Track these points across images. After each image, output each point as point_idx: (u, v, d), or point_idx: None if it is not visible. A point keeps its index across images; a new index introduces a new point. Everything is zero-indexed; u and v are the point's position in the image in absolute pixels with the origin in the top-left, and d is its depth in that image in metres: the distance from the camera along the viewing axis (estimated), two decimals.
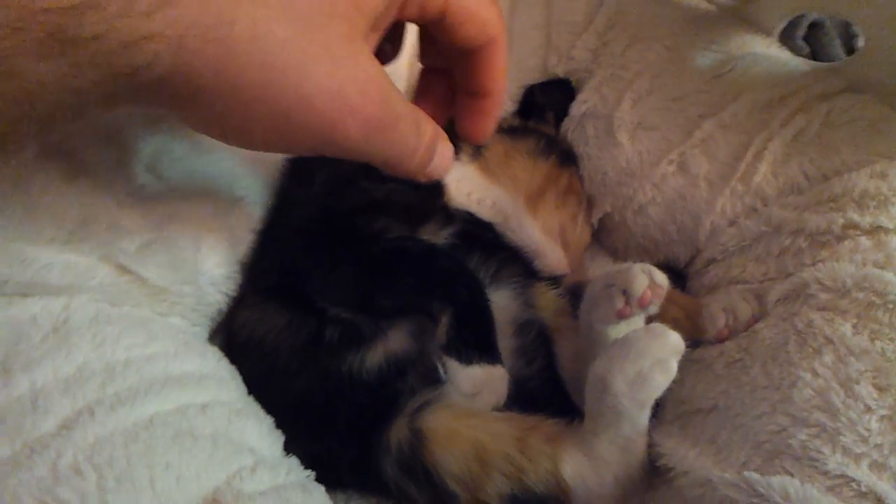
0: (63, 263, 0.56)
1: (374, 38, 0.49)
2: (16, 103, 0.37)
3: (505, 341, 0.72)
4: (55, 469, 0.48)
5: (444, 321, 0.65)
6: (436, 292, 0.66)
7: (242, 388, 0.65)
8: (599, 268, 0.90)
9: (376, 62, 0.46)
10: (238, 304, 0.73)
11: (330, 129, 0.45)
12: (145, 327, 0.59)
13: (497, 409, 0.65)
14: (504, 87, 0.56)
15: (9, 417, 0.49)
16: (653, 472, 0.64)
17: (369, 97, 0.45)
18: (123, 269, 0.59)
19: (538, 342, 0.75)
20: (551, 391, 0.73)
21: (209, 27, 0.38)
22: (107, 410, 0.51)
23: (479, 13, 0.50)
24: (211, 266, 0.67)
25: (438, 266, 0.69)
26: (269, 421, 0.63)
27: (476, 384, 0.65)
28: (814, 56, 0.88)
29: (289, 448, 0.64)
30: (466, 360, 0.64)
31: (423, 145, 0.51)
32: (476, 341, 0.66)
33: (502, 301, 0.74)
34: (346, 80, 0.44)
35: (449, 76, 0.58)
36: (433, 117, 0.54)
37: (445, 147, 0.54)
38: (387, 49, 0.57)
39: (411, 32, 0.57)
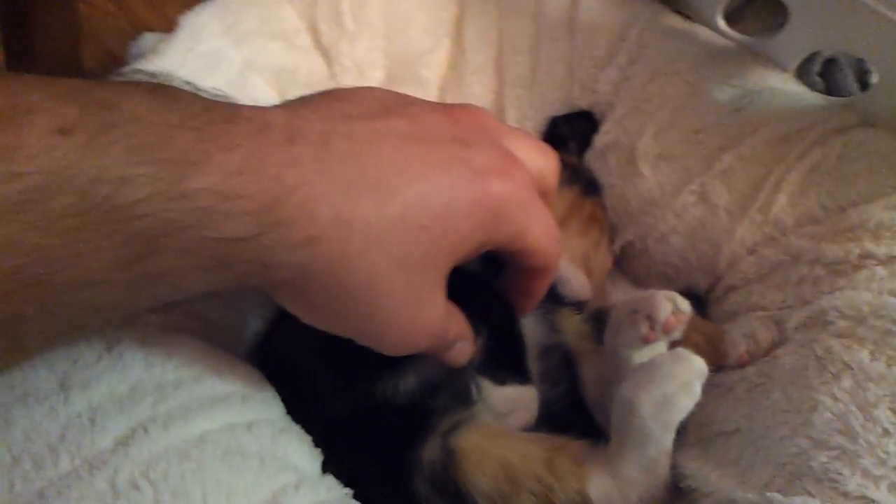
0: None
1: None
2: (159, 302, 0.44)
3: (532, 364, 0.74)
4: (114, 484, 0.50)
5: (479, 343, 0.67)
6: (471, 315, 0.68)
7: (282, 407, 0.67)
8: (621, 294, 0.93)
9: (444, 304, 0.54)
10: (273, 326, 0.75)
11: (389, 347, 0.54)
12: (191, 348, 0.62)
13: (528, 427, 0.68)
14: (543, 293, 0.65)
15: (69, 434, 0.52)
16: (675, 493, 0.66)
17: (428, 335, 0.54)
18: None
19: (563, 365, 0.77)
20: (575, 413, 0.75)
21: (336, 267, 0.45)
22: (160, 428, 0.54)
23: (545, 252, 0.58)
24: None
25: (473, 290, 0.71)
26: (308, 439, 0.65)
27: (509, 403, 0.67)
28: (829, 91, 0.90)
29: (325, 468, 0.66)
30: (500, 380, 0.67)
31: (444, 345, 0.59)
32: (509, 363, 0.68)
33: (529, 326, 0.76)
34: (421, 323, 0.52)
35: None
36: None
37: (466, 347, 0.62)
38: None
39: None
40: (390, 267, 0.47)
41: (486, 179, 0.51)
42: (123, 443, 0.52)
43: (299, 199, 0.41)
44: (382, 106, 0.53)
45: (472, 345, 0.63)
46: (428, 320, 0.53)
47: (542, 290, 0.65)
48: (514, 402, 0.67)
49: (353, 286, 0.46)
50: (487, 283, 0.71)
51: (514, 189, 0.53)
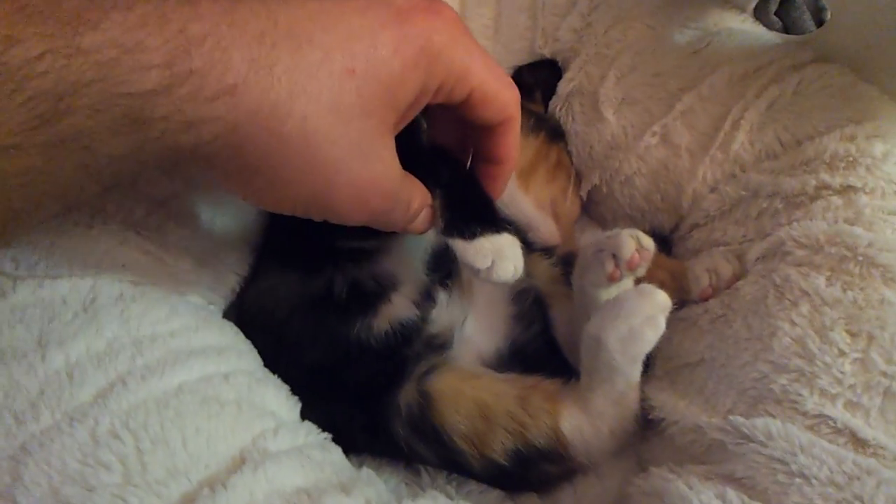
0: (88, 246, 0.60)
1: (399, 128, 0.54)
2: (86, 172, 0.41)
3: (503, 308, 0.76)
4: (95, 435, 0.51)
5: (437, 204, 0.62)
6: (421, 179, 0.66)
7: (259, 360, 0.68)
8: (589, 238, 0.94)
9: (395, 157, 0.52)
10: (248, 282, 0.76)
11: (346, 213, 0.51)
12: (167, 304, 0.63)
13: (517, 278, 0.62)
14: (515, 156, 0.61)
15: (48, 390, 0.53)
16: (646, 425, 0.69)
17: (382, 194, 0.52)
18: (145, 252, 0.63)
19: (534, 309, 0.79)
20: (548, 354, 0.77)
21: (265, 117, 0.43)
22: (138, 381, 0.55)
23: (499, 96, 0.55)
24: (225, 248, 0.70)
25: (414, 154, 0.66)
26: (286, 388, 0.67)
27: (487, 255, 0.61)
28: (786, 30, 0.92)
29: (304, 415, 0.67)
30: (470, 234, 0.60)
31: (409, 216, 0.57)
32: (474, 214, 0.62)
33: None
34: (370, 178, 0.50)
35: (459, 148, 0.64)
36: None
37: (428, 213, 0.60)
38: None
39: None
40: (323, 114, 0.45)
41: (410, 15, 0.49)
42: (102, 396, 0.54)
43: (209, 48, 0.40)
44: None
45: (432, 210, 0.60)
46: (379, 176, 0.50)
47: (510, 150, 0.60)
48: (492, 252, 0.61)
49: (287, 138, 0.44)
50: (430, 145, 0.68)
51: (443, 24, 0.51)
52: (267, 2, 0.45)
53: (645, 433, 0.69)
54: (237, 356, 0.65)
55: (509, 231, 0.62)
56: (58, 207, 0.48)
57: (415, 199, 0.57)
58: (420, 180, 0.58)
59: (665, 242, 0.86)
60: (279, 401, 0.64)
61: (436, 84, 0.51)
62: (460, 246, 0.60)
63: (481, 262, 0.60)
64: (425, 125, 0.66)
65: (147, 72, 0.39)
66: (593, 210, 0.97)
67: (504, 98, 0.56)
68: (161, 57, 0.39)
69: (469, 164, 0.64)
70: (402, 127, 0.54)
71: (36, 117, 0.37)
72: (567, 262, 0.79)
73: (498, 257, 0.61)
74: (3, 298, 0.56)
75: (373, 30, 0.47)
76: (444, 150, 0.65)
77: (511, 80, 0.57)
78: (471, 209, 0.62)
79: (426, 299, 0.73)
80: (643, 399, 0.68)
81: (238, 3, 0.43)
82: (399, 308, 0.73)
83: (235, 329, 0.69)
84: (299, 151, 0.45)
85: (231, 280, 0.73)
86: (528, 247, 0.82)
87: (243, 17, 0.43)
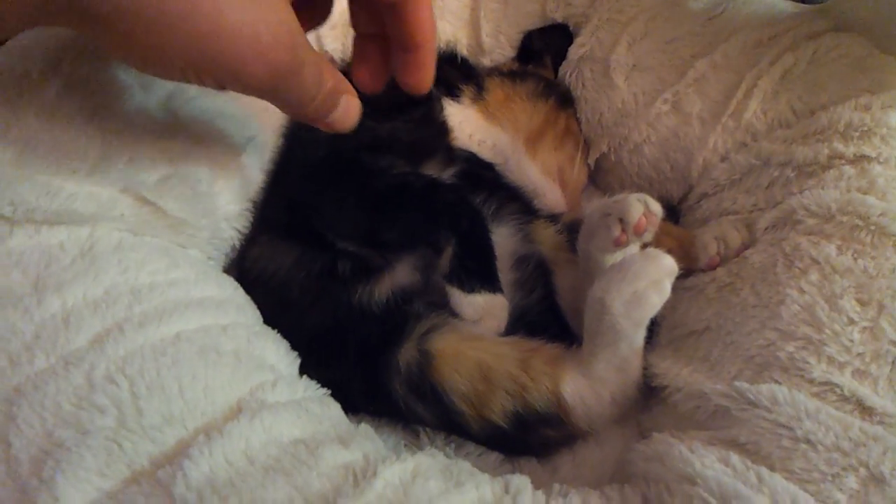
0: (87, 194, 0.58)
1: None
2: None
3: (506, 274, 0.75)
4: (90, 379, 0.51)
5: (448, 252, 0.68)
6: (439, 224, 0.69)
7: (258, 315, 0.68)
8: (596, 203, 0.93)
9: (290, 9, 0.48)
10: (249, 241, 0.76)
11: (240, 65, 0.46)
12: (166, 255, 0.62)
13: (498, 334, 0.69)
14: (433, 38, 0.56)
15: (43, 334, 0.52)
16: (648, 393, 0.68)
17: (280, 41, 0.47)
18: (144, 201, 0.62)
19: (537, 275, 0.78)
20: (550, 320, 0.76)
21: None
22: (135, 328, 0.54)
23: None
24: (224, 202, 0.69)
25: (442, 199, 0.72)
26: (285, 343, 0.66)
27: (478, 311, 0.68)
28: None
29: (303, 373, 0.67)
30: (469, 288, 0.68)
31: (321, 94, 0.52)
32: (478, 270, 0.68)
33: (503, 237, 0.77)
34: (261, 21, 0.45)
35: (382, 40, 0.58)
36: (371, 81, 0.58)
37: (351, 102, 0.55)
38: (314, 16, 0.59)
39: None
40: None
41: None
42: (99, 341, 0.53)
43: None
44: None
45: (358, 100, 0.56)
46: (271, 20, 0.46)
47: (424, 31, 0.55)
48: (483, 309, 0.68)
49: None
50: (456, 189, 0.71)
51: None
52: None
53: (647, 401, 0.69)
54: (236, 309, 0.64)
55: (502, 292, 0.69)
56: None
57: (328, 75, 0.52)
58: (440, 226, 0.61)
59: (673, 212, 0.85)
60: (278, 355, 0.63)
61: None
62: (456, 295, 0.68)
63: (470, 315, 0.68)
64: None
65: None
66: (601, 178, 0.96)
67: None
68: None
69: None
70: None
71: None
72: (572, 230, 0.78)
73: (487, 315, 0.68)
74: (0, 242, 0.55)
75: None
76: (469, 203, 0.68)
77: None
78: (476, 265, 0.68)
79: (428, 265, 0.73)
80: (646, 367, 0.67)
81: None
82: (401, 275, 0.72)
83: (235, 284, 0.69)
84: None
85: (232, 235, 0.72)
86: (534, 213, 0.83)
87: None
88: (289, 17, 0.47)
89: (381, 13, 0.55)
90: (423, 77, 0.58)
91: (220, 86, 0.48)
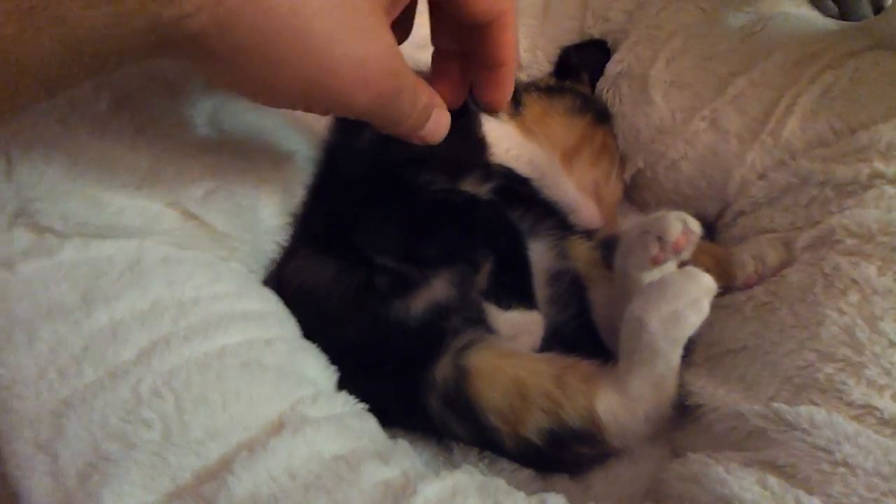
0: (135, 208, 0.60)
1: (393, 14, 0.51)
2: (65, 47, 0.39)
3: (541, 290, 0.75)
4: (137, 392, 0.52)
5: (486, 268, 0.69)
6: (478, 241, 0.70)
7: (298, 329, 0.69)
8: (633, 220, 0.93)
9: (392, 36, 0.49)
10: (288, 254, 0.77)
11: (348, 95, 0.48)
12: (211, 269, 0.63)
13: (534, 351, 0.69)
14: (514, 57, 0.58)
15: (91, 346, 0.54)
16: (682, 412, 0.68)
17: (384, 70, 0.48)
18: (190, 215, 0.63)
19: (572, 291, 0.78)
20: (585, 337, 0.76)
21: None
22: (181, 341, 0.55)
23: None
24: (267, 216, 0.70)
25: (480, 216, 0.72)
26: (324, 358, 0.67)
27: (514, 328, 0.68)
28: (842, 16, 0.90)
29: (340, 387, 0.68)
30: (506, 305, 0.69)
31: (416, 111, 0.54)
32: (515, 287, 0.69)
33: (538, 252, 0.77)
34: (369, 53, 0.47)
35: (461, 57, 0.60)
36: (450, 97, 0.59)
37: (441, 115, 0.57)
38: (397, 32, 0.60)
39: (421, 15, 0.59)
40: None
41: None
42: (145, 354, 0.54)
43: None
44: None
45: (447, 113, 0.58)
46: (378, 51, 0.48)
47: (506, 52, 0.57)
48: (519, 326, 0.68)
49: (275, 9, 0.42)
50: (495, 207, 0.72)
51: None
52: None
53: (680, 420, 0.68)
54: (278, 323, 0.65)
55: (538, 309, 0.70)
56: (41, 93, 0.46)
57: (422, 93, 0.54)
58: (478, 243, 0.63)
59: (709, 229, 0.85)
60: (318, 369, 0.64)
61: None
62: (493, 311, 0.69)
63: (506, 331, 0.69)
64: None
65: None
66: (636, 195, 0.96)
67: None
68: None
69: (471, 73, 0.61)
70: (394, 16, 0.51)
71: None
72: (607, 246, 0.79)
73: (522, 332, 0.69)
74: (50, 256, 0.57)
75: None
76: (508, 220, 0.69)
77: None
78: (513, 282, 0.70)
79: (465, 281, 0.73)
80: (681, 385, 0.67)
81: None
82: (438, 290, 0.73)
83: (276, 297, 0.70)
84: (289, 24, 0.43)
85: (272, 249, 0.74)
86: (569, 229, 0.83)
87: None
88: (391, 43, 0.49)
89: (463, 32, 0.56)
90: (503, 95, 0.60)
91: (327, 112, 0.50)
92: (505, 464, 0.70)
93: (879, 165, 0.67)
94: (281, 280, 0.76)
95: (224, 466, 0.50)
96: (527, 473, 0.70)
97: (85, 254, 0.58)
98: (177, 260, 0.61)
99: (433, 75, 0.62)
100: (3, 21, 0.37)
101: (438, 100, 0.57)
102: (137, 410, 0.51)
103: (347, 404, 0.63)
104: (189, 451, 0.50)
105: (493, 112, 0.62)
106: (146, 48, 0.42)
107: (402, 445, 0.62)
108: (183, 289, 0.60)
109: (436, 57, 0.62)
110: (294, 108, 0.49)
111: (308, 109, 0.49)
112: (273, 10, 0.42)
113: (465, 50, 0.58)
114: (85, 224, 0.58)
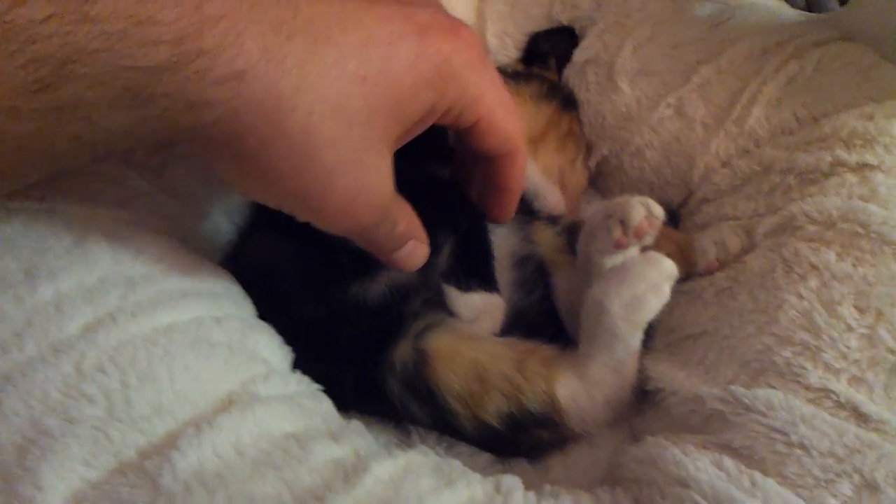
0: (85, 181, 0.58)
1: (405, 139, 0.54)
2: (81, 142, 0.41)
3: (504, 274, 0.74)
4: (80, 367, 0.50)
5: (446, 250, 0.67)
6: (438, 222, 0.68)
7: (253, 308, 0.67)
8: (597, 206, 0.93)
9: (391, 172, 0.52)
10: (246, 234, 0.75)
11: (332, 219, 0.51)
12: (162, 246, 0.61)
13: (494, 333, 0.68)
14: (521, 185, 0.63)
15: (34, 320, 0.52)
16: (642, 397, 0.67)
17: (373, 208, 0.52)
18: (142, 192, 0.62)
19: (536, 276, 0.78)
20: (547, 321, 0.76)
21: (269, 108, 0.42)
22: (128, 317, 0.54)
23: (504, 127, 0.56)
24: (223, 195, 0.69)
25: (441, 197, 0.71)
26: (279, 338, 0.65)
27: (474, 310, 0.67)
28: (809, 7, 0.90)
29: (295, 367, 0.66)
30: (465, 287, 0.67)
31: (391, 238, 0.57)
32: (475, 270, 0.68)
33: (502, 237, 0.76)
34: (363, 188, 0.49)
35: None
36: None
37: (417, 247, 0.61)
38: None
39: None
40: (327, 115, 0.44)
41: (430, 33, 0.49)
42: (90, 330, 0.52)
43: (222, 30, 0.40)
44: None
45: (426, 248, 0.62)
46: (371, 189, 0.50)
47: (515, 181, 0.62)
48: (479, 309, 0.67)
49: (288, 133, 0.44)
50: (457, 189, 0.71)
51: (462, 47, 0.50)
52: None
53: (640, 406, 0.68)
54: (231, 302, 0.63)
55: (499, 292, 0.70)
56: (46, 172, 0.48)
57: (401, 221, 0.57)
58: (437, 221, 0.62)
59: (673, 216, 0.85)
60: (272, 349, 0.63)
61: (445, 106, 0.51)
62: (453, 294, 0.68)
63: (466, 314, 0.67)
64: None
65: (155, 47, 0.38)
66: (602, 182, 0.95)
67: (509, 130, 0.57)
68: (172, 33, 0.38)
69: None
70: (404, 142, 0.53)
71: (35, 81, 0.36)
72: (571, 232, 0.78)
73: (483, 314, 0.68)
74: None
75: (392, 40, 0.47)
76: (466, 199, 0.68)
77: (518, 112, 0.58)
78: (473, 264, 0.69)
79: (426, 263, 0.72)
80: (641, 370, 0.67)
81: None
82: (398, 271, 0.71)
83: (231, 276, 0.68)
84: (298, 148, 0.45)
85: (229, 229, 0.72)
86: (533, 215, 0.82)
87: (263, 2, 0.42)
88: (389, 181, 0.52)
89: (478, 156, 0.60)
90: (505, 214, 0.66)
91: (305, 220, 0.52)
92: (463, 447, 0.69)
93: (841, 153, 0.67)
94: (237, 260, 0.75)
95: (169, 443, 0.48)
96: (486, 457, 0.69)
97: (30, 226, 0.56)
98: (127, 235, 0.59)
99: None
100: (30, 118, 0.38)
101: (418, 232, 0.60)
102: (80, 385, 0.49)
103: (301, 384, 0.61)
104: (133, 428, 0.49)
105: (493, 223, 0.70)
106: (155, 144, 0.44)
107: (356, 426, 0.61)
108: (133, 264, 0.58)
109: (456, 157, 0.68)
110: (277, 208, 0.51)
111: (290, 213, 0.51)
112: (286, 132, 0.44)
113: (479, 166, 0.63)
114: (30, 196, 0.56)
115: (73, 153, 0.43)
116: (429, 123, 0.53)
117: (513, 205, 0.65)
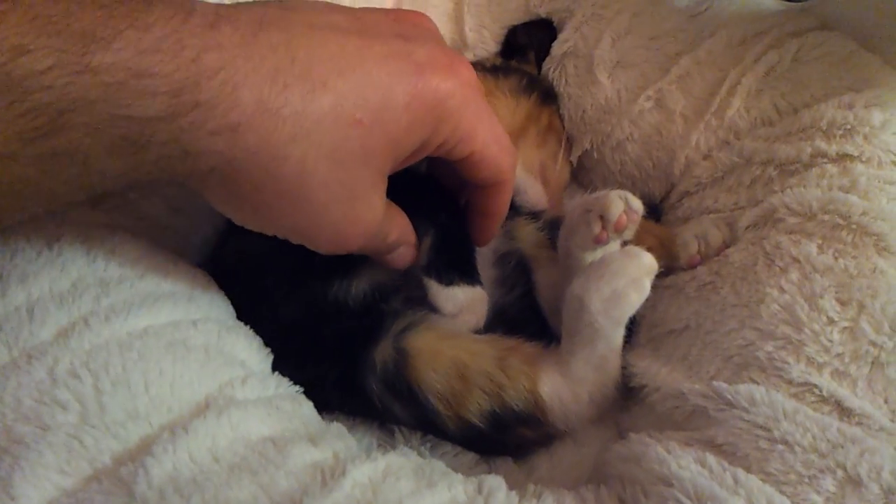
0: None
1: (397, 170, 0.54)
2: (77, 185, 0.42)
3: (486, 271, 0.74)
4: (53, 373, 0.49)
5: (426, 243, 0.66)
6: (418, 216, 0.67)
7: (231, 310, 0.66)
8: (577, 200, 0.92)
9: (383, 200, 0.54)
10: (225, 235, 0.74)
11: (325, 245, 0.54)
12: (137, 247, 0.60)
13: (477, 330, 0.68)
14: (504, 211, 0.65)
15: (6, 326, 0.51)
16: (626, 394, 0.67)
17: (362, 234, 0.53)
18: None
19: (517, 272, 0.77)
20: (530, 318, 0.75)
21: (264, 157, 0.44)
22: (101, 321, 0.53)
23: (496, 160, 0.58)
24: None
25: (419, 190, 0.70)
26: (258, 340, 0.65)
27: (457, 304, 0.66)
28: None
29: (275, 369, 0.65)
30: (447, 281, 0.66)
31: (383, 248, 0.60)
32: (456, 263, 0.67)
33: None
34: (355, 220, 0.52)
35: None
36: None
37: (405, 251, 0.63)
38: None
39: None
40: (322, 160, 0.46)
41: (427, 72, 0.49)
42: (63, 335, 0.51)
43: (219, 83, 0.40)
44: (325, 5, 0.51)
45: (414, 249, 0.64)
46: (363, 220, 0.52)
47: (499, 208, 0.64)
48: (462, 303, 0.66)
49: (283, 178, 0.45)
50: (436, 183, 0.70)
51: (459, 85, 0.51)
52: (290, 33, 0.45)
53: (625, 402, 0.68)
54: (208, 303, 0.63)
55: (481, 286, 0.69)
56: (41, 210, 0.50)
57: (392, 232, 0.58)
58: (417, 215, 0.62)
59: (655, 210, 0.84)
60: (250, 351, 0.62)
61: (439, 141, 0.52)
62: (434, 288, 0.66)
63: (448, 309, 0.67)
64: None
65: (152, 98, 0.38)
66: (583, 177, 0.95)
67: (501, 164, 0.58)
68: (169, 85, 0.39)
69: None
70: (396, 171, 0.54)
71: (34, 129, 0.37)
72: (553, 227, 0.77)
73: (465, 309, 0.67)
74: None
75: (389, 82, 0.47)
76: (445, 192, 0.69)
77: (512, 146, 0.60)
78: (454, 257, 0.68)
79: None
80: (624, 367, 0.66)
81: (259, 33, 0.43)
82: (379, 269, 0.71)
83: (208, 277, 0.67)
84: (292, 191, 0.46)
85: (206, 229, 0.71)
86: (515, 210, 0.81)
87: (261, 51, 0.43)
88: (380, 210, 0.54)
89: (466, 183, 0.62)
90: (487, 238, 0.68)
91: (297, 243, 0.54)
92: (448, 447, 0.69)
93: (821, 144, 0.67)
94: (216, 261, 0.74)
95: (144, 449, 0.47)
96: (470, 457, 0.69)
97: (0, 232, 0.55)
98: (99, 238, 0.58)
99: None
100: (27, 163, 0.38)
101: (409, 237, 0.62)
102: (53, 392, 0.48)
103: (280, 386, 0.60)
104: (107, 433, 0.48)
105: (477, 246, 0.70)
106: (149, 184, 0.48)
107: (337, 428, 0.60)
108: (106, 267, 0.57)
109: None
110: (271, 234, 0.53)
111: (283, 238, 0.53)
112: (280, 178, 0.46)
113: (460, 192, 0.67)
114: None
115: (69, 194, 0.43)
116: (422, 156, 0.54)
117: (495, 229, 0.66)
